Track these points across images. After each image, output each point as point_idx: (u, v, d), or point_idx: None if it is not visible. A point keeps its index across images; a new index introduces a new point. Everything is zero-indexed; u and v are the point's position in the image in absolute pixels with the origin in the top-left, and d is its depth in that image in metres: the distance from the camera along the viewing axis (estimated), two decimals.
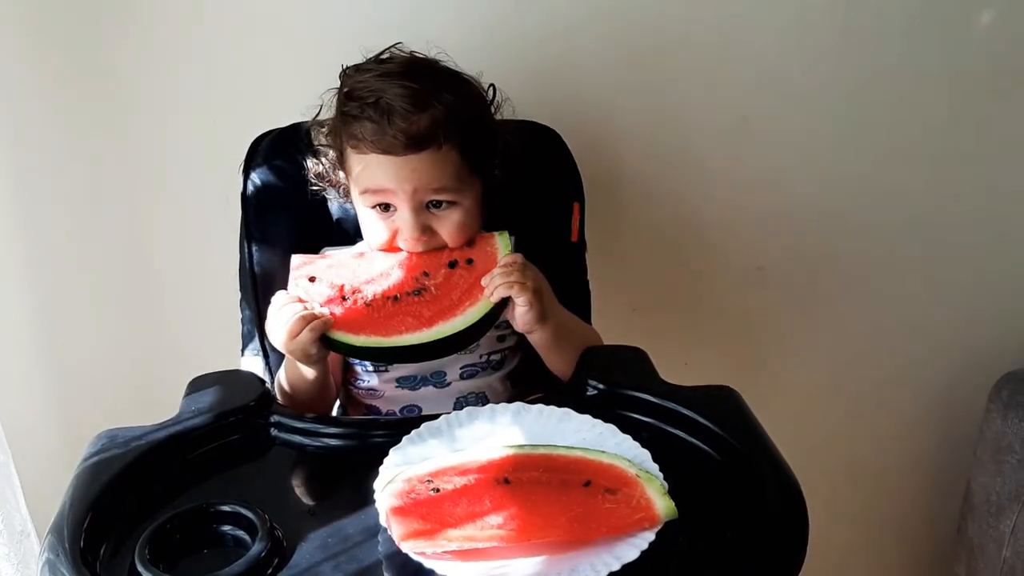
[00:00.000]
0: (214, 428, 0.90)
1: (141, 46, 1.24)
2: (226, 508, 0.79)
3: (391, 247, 1.02)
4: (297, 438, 0.92)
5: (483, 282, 0.97)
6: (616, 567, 0.72)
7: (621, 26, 1.27)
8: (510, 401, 0.91)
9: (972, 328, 1.49)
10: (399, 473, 0.80)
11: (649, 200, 1.37)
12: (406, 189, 0.97)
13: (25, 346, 1.38)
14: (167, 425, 0.89)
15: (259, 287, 1.12)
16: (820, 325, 1.48)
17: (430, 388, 1.05)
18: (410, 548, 0.74)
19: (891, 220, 1.41)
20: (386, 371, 1.05)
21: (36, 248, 1.33)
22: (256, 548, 0.75)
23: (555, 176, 1.16)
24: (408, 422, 0.89)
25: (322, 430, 0.92)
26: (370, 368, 1.06)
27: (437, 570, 0.72)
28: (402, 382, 1.05)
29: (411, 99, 0.96)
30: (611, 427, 0.87)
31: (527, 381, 1.09)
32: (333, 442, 0.91)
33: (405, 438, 0.86)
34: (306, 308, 0.95)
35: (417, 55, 1.04)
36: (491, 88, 1.06)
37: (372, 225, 1.02)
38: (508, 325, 1.01)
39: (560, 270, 1.10)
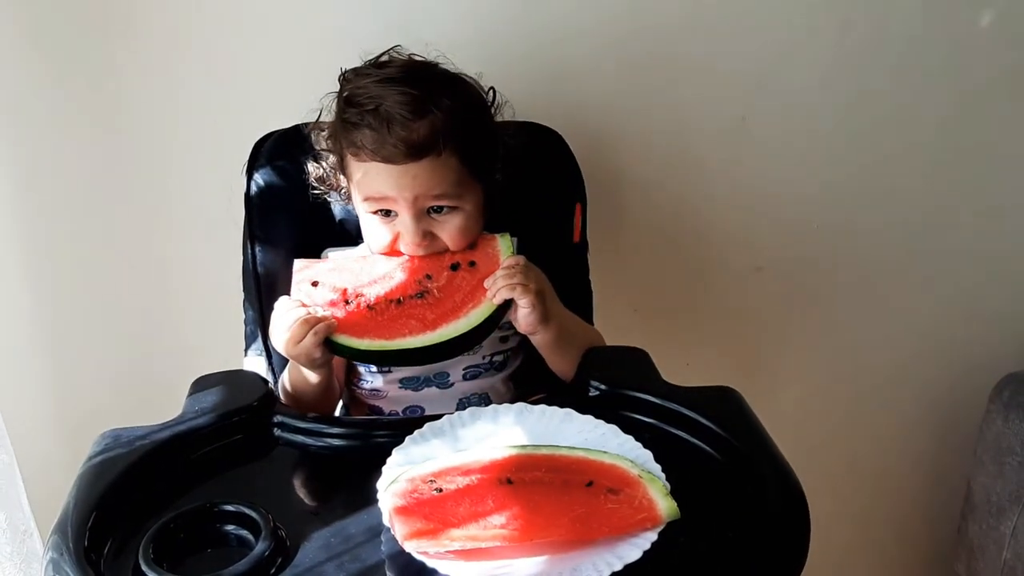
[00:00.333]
0: (217, 428, 0.90)
1: (144, 47, 1.24)
2: (230, 508, 0.80)
3: (393, 251, 1.02)
4: (300, 438, 0.92)
5: (486, 284, 0.98)
6: (618, 567, 0.73)
7: (622, 27, 1.27)
8: (513, 402, 0.92)
9: (973, 329, 1.49)
10: (402, 473, 0.81)
11: (650, 201, 1.37)
12: (407, 196, 0.97)
13: (28, 346, 1.38)
14: (170, 425, 0.90)
15: (262, 287, 1.13)
16: (820, 325, 1.48)
17: (433, 389, 1.06)
18: (413, 548, 0.74)
19: (891, 220, 1.41)
20: (389, 372, 1.05)
21: (39, 248, 1.33)
22: (259, 548, 0.75)
23: (557, 177, 1.16)
24: (411, 422, 0.89)
25: (325, 430, 0.92)
26: (373, 369, 1.06)
27: (440, 570, 0.73)
28: (405, 383, 1.05)
29: (410, 106, 0.95)
30: (613, 428, 0.87)
31: (529, 382, 1.09)
32: (336, 442, 0.92)
33: (408, 438, 0.86)
34: (309, 313, 0.95)
35: (416, 58, 1.03)
36: (491, 91, 1.06)
37: (373, 230, 1.02)
38: (511, 326, 1.01)
39: (562, 271, 1.10)
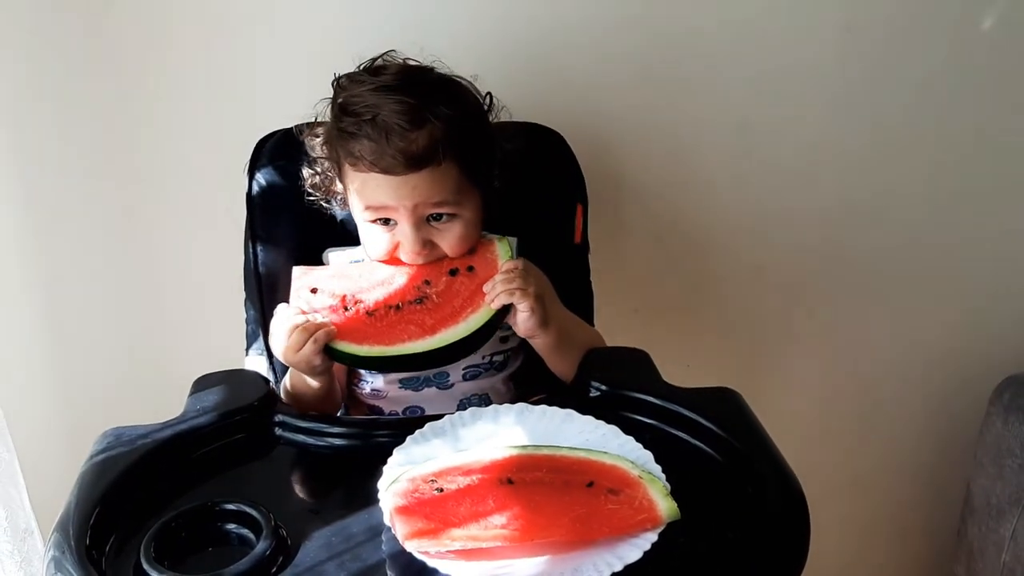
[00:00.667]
0: (219, 427, 0.90)
1: (145, 47, 1.24)
2: (231, 507, 0.80)
3: (392, 259, 1.02)
4: (301, 437, 0.92)
5: (485, 289, 0.97)
6: (619, 567, 0.73)
7: (624, 28, 1.27)
8: (513, 402, 0.92)
9: (973, 331, 1.49)
10: (403, 473, 0.81)
11: (651, 202, 1.37)
12: (406, 206, 0.97)
13: (30, 344, 1.38)
14: (172, 424, 0.90)
15: (264, 287, 1.13)
16: (821, 327, 1.48)
17: (433, 389, 1.06)
18: (414, 547, 0.74)
19: (891, 221, 1.41)
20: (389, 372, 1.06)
21: (41, 248, 1.33)
22: (260, 546, 0.76)
23: (558, 178, 1.16)
24: (412, 422, 0.89)
25: (326, 429, 0.92)
26: None
27: (440, 569, 0.73)
28: (405, 383, 1.05)
29: (408, 116, 0.94)
30: (614, 428, 0.87)
31: (530, 382, 1.09)
32: (337, 441, 0.92)
33: (409, 438, 0.86)
34: (308, 320, 0.95)
35: (411, 63, 1.02)
36: (488, 95, 1.05)
37: (373, 238, 1.01)
38: (511, 327, 1.02)
39: (563, 271, 1.11)
